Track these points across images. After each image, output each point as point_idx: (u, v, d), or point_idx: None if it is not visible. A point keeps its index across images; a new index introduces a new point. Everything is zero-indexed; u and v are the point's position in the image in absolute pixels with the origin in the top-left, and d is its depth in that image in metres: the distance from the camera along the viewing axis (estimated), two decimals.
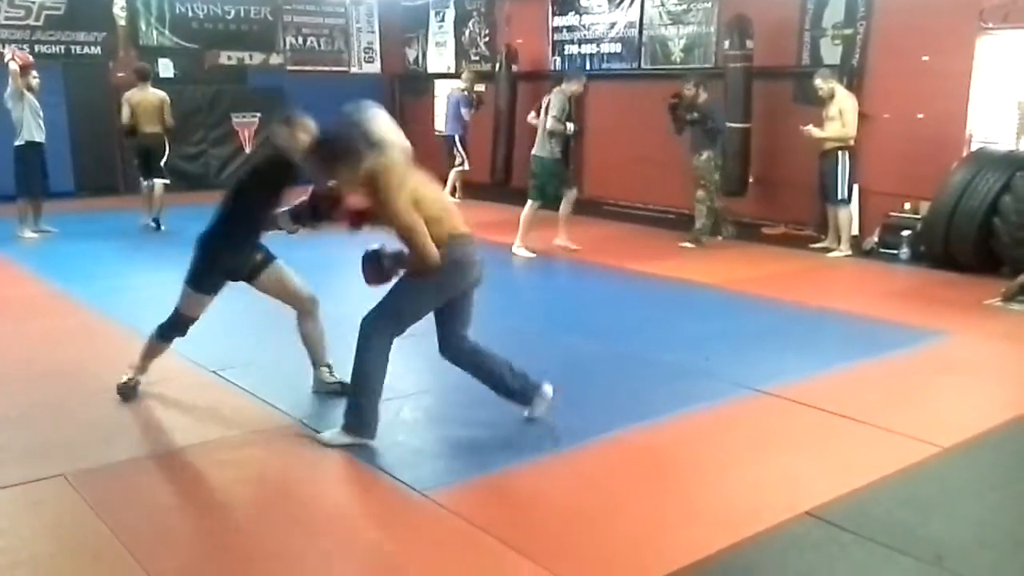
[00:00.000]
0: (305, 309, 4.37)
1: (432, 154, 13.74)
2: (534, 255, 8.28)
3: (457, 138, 11.97)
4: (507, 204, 11.69)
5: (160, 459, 3.76)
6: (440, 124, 14.13)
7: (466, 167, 12.01)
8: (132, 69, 10.23)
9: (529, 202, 8.45)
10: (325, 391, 4.42)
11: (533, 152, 8.51)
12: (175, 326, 4.27)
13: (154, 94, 9.39)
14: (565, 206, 8.54)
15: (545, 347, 5.48)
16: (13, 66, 8.56)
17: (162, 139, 9.45)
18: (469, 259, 3.83)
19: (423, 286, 3.75)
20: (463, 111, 11.96)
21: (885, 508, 3.35)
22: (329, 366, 4.45)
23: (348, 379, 3.95)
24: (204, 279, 4.16)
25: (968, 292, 6.90)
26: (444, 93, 13.96)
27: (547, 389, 4.11)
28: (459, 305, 3.91)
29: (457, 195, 11.96)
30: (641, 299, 6.95)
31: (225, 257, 4.17)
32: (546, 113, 8.32)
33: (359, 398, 3.81)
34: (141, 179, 9.55)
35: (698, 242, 8.79)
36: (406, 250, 3.68)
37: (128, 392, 4.34)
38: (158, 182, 9.34)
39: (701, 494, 3.55)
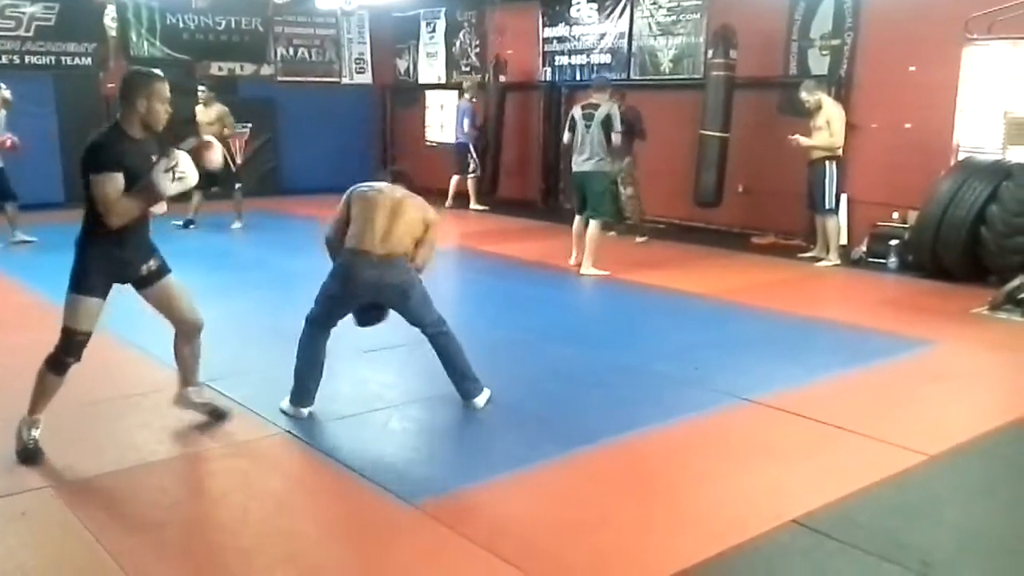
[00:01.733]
0: (187, 332, 4.06)
1: (423, 163, 13.86)
2: (607, 273, 7.90)
3: (471, 145, 12.10)
4: (496, 215, 11.76)
5: (148, 471, 3.74)
6: (431, 135, 14.23)
7: (478, 173, 12.15)
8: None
9: (594, 223, 7.89)
10: (191, 410, 4.22)
11: (587, 169, 7.85)
12: (67, 348, 3.71)
13: None
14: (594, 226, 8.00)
15: (534, 356, 5.49)
16: None
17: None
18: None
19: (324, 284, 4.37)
20: (465, 122, 12.07)
21: (871, 516, 3.36)
22: (199, 387, 4.25)
23: (215, 402, 4.28)
24: (81, 279, 3.71)
25: (955, 301, 6.94)
26: (437, 103, 14.08)
27: (487, 393, 4.51)
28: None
29: (449, 203, 12.05)
30: (630, 308, 6.97)
31: (96, 254, 3.70)
32: (587, 129, 7.78)
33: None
34: None
35: (644, 234, 9.63)
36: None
37: (31, 455, 3.73)
38: None
39: (689, 503, 3.57)
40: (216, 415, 4.19)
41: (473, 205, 12.21)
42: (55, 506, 3.37)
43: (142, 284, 3.90)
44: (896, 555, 3.06)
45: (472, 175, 12.23)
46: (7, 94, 8.74)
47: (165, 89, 3.70)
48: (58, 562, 3.05)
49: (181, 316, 4.02)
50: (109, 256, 3.72)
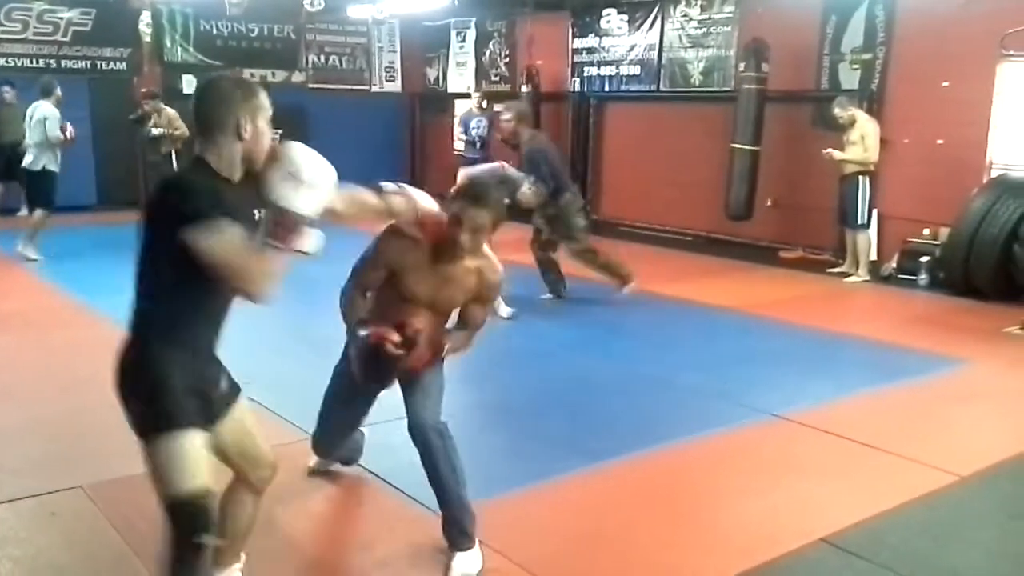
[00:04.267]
0: (261, 480, 2.65)
1: (448, 172, 13.85)
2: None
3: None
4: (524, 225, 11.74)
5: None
6: (459, 144, 14.23)
7: None
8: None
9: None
10: None
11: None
12: (192, 525, 2.28)
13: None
14: None
15: (560, 368, 5.48)
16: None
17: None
18: None
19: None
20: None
21: (901, 536, 3.32)
22: (241, 559, 2.80)
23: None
24: (168, 407, 2.29)
25: (987, 320, 6.85)
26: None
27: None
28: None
29: None
30: (656, 320, 6.95)
31: (173, 363, 2.32)
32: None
33: (466, 501, 3.08)
34: None
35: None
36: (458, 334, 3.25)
37: None
38: None
39: (717, 519, 3.54)
40: None
41: None
42: (85, 507, 3.41)
43: (212, 419, 2.44)
44: None
45: None
46: (59, 92, 8.85)
47: (267, 101, 2.40)
48: (87, 562, 3.08)
49: (258, 458, 2.62)
50: (189, 370, 2.35)
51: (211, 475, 2.32)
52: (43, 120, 8.44)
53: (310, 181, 2.25)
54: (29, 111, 8.64)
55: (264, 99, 2.37)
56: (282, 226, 2.22)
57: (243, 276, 2.19)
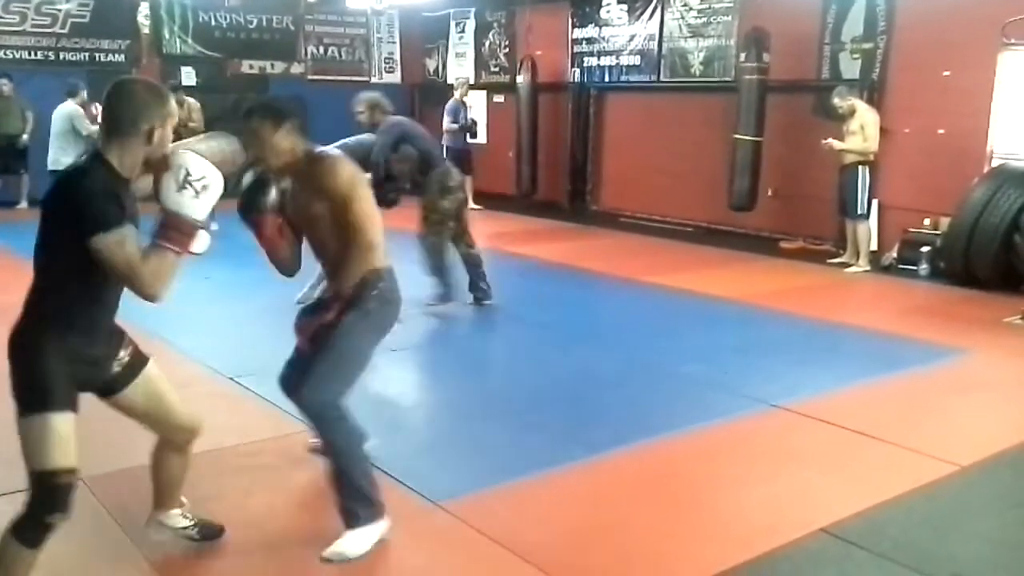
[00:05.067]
0: (184, 440, 2.93)
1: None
2: None
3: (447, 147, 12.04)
4: (524, 216, 11.75)
5: None
6: None
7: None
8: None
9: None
10: (175, 537, 3.08)
11: None
12: (51, 502, 2.47)
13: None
14: None
15: (561, 359, 5.48)
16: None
17: None
18: (399, 295, 3.25)
19: (365, 328, 3.09)
20: (446, 120, 11.68)
21: (901, 526, 3.32)
22: (183, 504, 3.10)
23: (199, 521, 3.11)
24: (45, 390, 2.46)
25: (988, 309, 6.84)
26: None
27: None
28: None
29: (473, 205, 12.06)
30: (657, 311, 6.94)
31: (56, 352, 2.48)
32: None
33: (355, 482, 3.05)
34: None
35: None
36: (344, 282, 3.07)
37: None
38: None
39: (716, 509, 3.54)
40: (208, 534, 3.12)
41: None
42: (85, 497, 3.40)
43: (113, 388, 2.70)
44: (927, 567, 3.02)
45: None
46: (85, 94, 8.96)
47: (175, 107, 2.57)
48: (90, 554, 3.08)
49: (176, 420, 2.86)
50: (75, 355, 2.50)
51: (75, 456, 2.47)
52: (68, 117, 8.62)
53: (204, 189, 2.42)
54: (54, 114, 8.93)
55: (173, 106, 2.53)
56: (177, 230, 2.40)
57: (139, 280, 2.37)
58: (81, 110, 8.78)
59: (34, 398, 2.43)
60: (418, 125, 6.89)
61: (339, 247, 3.07)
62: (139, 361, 2.75)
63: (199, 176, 2.41)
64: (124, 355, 2.70)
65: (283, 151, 2.99)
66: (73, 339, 2.49)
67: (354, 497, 3.04)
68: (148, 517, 3.05)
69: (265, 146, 2.97)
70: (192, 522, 3.07)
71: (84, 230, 2.30)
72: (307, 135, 3.06)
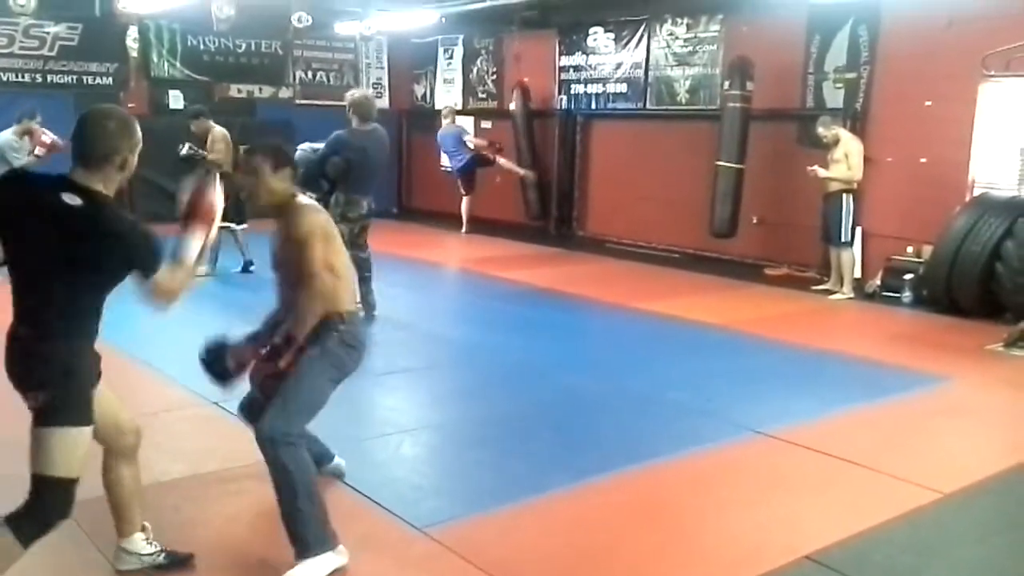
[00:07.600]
0: (130, 446, 2.96)
1: (436, 188, 13.92)
2: None
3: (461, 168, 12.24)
4: (512, 240, 11.77)
5: (162, 490, 3.73)
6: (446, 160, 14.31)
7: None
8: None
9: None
10: (141, 566, 3.04)
11: None
12: (61, 506, 2.64)
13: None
14: None
15: (547, 385, 5.48)
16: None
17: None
18: (364, 341, 3.40)
19: (323, 367, 3.19)
20: (467, 139, 12.24)
21: (885, 553, 3.33)
22: (146, 528, 3.09)
23: (166, 548, 3.09)
24: (82, 405, 2.64)
25: (970, 337, 6.89)
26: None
27: (339, 462, 3.86)
28: None
29: (465, 229, 12.19)
30: (643, 337, 6.96)
31: (87, 367, 2.70)
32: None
33: (305, 512, 3.05)
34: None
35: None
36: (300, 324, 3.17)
37: None
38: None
39: (701, 535, 3.54)
40: (175, 559, 3.08)
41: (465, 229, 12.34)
42: (66, 523, 3.37)
43: None
44: None
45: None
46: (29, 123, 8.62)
47: (140, 136, 2.72)
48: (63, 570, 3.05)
49: (121, 425, 2.91)
50: (94, 359, 2.70)
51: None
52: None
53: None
54: None
55: (139, 135, 2.68)
56: (200, 218, 2.79)
57: (168, 298, 2.65)
58: (16, 139, 8.48)
59: (73, 413, 2.57)
60: (374, 146, 7.30)
61: (296, 292, 3.22)
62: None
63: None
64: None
65: (274, 191, 3.19)
66: (94, 355, 2.68)
67: (305, 526, 3.04)
68: (114, 550, 3.05)
69: (260, 182, 3.17)
70: (158, 549, 3.06)
71: (144, 267, 2.57)
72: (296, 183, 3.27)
